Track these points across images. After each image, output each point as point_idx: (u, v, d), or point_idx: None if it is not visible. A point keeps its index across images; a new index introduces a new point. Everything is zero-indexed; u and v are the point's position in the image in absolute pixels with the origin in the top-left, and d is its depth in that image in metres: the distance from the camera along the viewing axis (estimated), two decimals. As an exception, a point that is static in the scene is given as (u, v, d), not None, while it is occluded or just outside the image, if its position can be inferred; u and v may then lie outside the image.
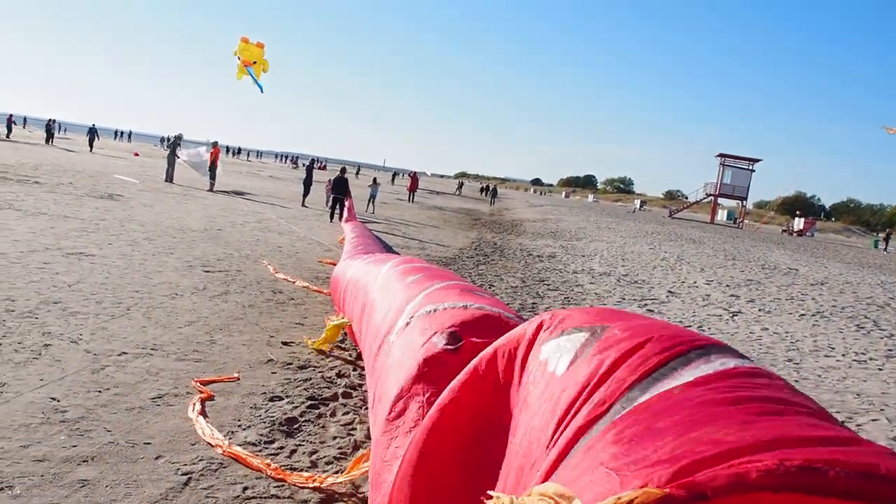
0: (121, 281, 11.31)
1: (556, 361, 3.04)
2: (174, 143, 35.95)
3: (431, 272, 7.21)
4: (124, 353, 7.86)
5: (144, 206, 22.69)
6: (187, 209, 23.60)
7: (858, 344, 13.37)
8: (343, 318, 8.93)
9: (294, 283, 13.51)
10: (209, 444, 5.83)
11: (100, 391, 6.66)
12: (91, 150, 55.42)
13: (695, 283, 20.46)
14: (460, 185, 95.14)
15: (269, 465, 5.58)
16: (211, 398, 6.92)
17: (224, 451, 5.74)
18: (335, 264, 15.75)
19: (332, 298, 11.67)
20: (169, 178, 34.76)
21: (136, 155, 59.65)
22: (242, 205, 29.00)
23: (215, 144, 35.71)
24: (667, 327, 2.91)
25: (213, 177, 34.60)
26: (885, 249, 66.95)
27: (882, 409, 8.87)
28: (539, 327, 3.49)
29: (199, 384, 7.16)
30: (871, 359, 12.09)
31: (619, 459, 2.02)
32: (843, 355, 12.20)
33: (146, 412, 6.40)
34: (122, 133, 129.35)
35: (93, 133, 59.26)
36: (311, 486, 5.34)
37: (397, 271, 7.55)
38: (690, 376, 2.38)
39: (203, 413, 6.45)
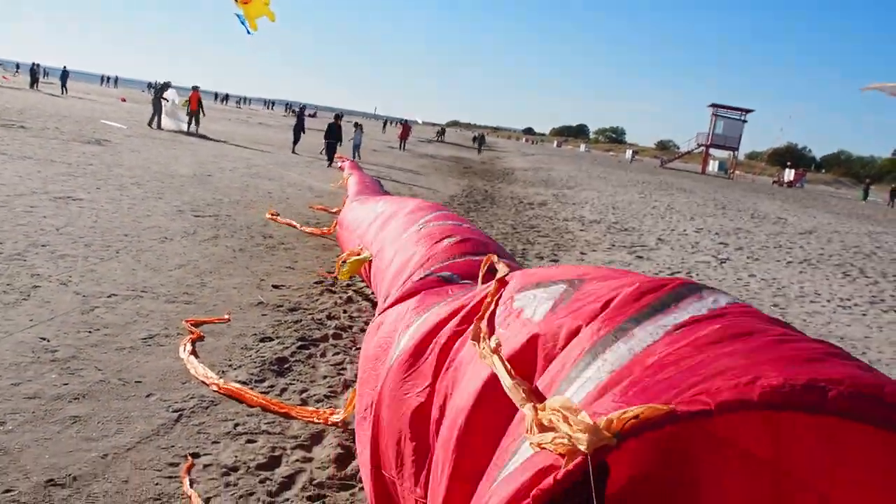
0: (109, 225, 11.25)
1: (532, 309, 3.04)
2: (160, 90, 35.44)
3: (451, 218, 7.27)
4: (114, 294, 7.86)
5: (132, 151, 22.48)
6: (175, 155, 23.40)
7: (844, 290, 13.49)
8: (368, 253, 8.78)
9: (299, 227, 13.45)
10: (203, 382, 5.87)
11: (90, 332, 6.67)
12: (64, 93, 54.67)
13: (684, 230, 20.52)
14: (442, 132, 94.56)
15: (270, 400, 5.68)
16: (201, 338, 6.95)
17: (220, 388, 5.79)
18: (326, 210, 15.71)
19: (340, 237, 11.65)
20: (155, 124, 34.35)
21: (124, 101, 58.89)
22: (232, 151, 28.77)
23: (195, 88, 35.24)
24: (647, 277, 2.91)
25: (197, 121, 34.37)
26: (866, 199, 67.04)
27: (864, 353, 8.99)
28: (504, 283, 3.52)
29: (189, 325, 7.18)
30: (855, 304, 12.21)
31: (623, 385, 2.04)
32: (829, 301, 12.31)
33: (137, 352, 6.42)
34: (108, 79, 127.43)
35: (65, 76, 58.79)
36: (316, 420, 5.43)
37: (422, 219, 7.48)
38: (685, 313, 2.38)
39: (194, 353, 6.48)
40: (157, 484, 4.37)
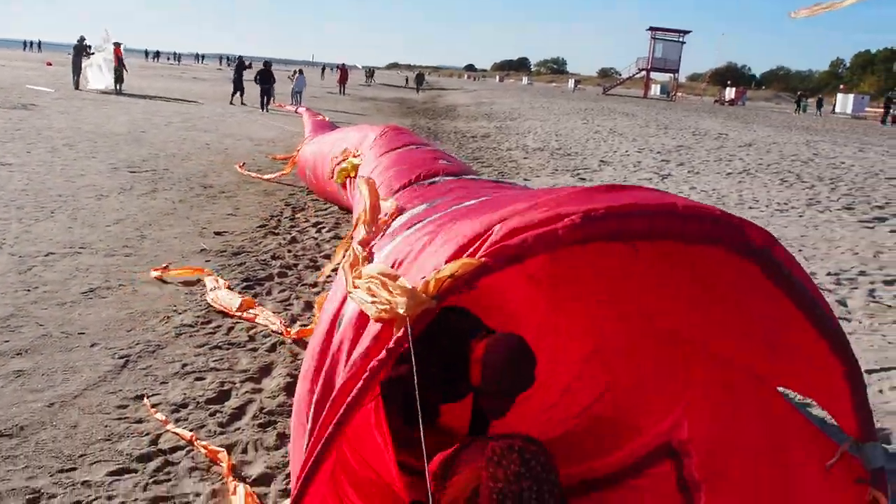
0: (42, 186, 10.99)
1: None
2: (78, 48, 34.04)
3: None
4: (51, 253, 7.72)
5: (61, 113, 21.85)
6: (107, 114, 22.80)
7: (781, 196, 13.79)
8: (357, 158, 8.52)
9: (264, 178, 13.17)
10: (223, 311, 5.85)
11: (28, 290, 6.56)
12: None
13: (626, 152, 20.70)
14: (371, 73, 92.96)
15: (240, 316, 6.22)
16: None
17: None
18: (286, 158, 15.40)
19: (301, 170, 11.59)
20: (77, 85, 33.11)
21: (49, 65, 56.84)
22: (165, 107, 28.11)
23: (117, 45, 33.88)
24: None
25: (119, 79, 33.10)
26: (805, 110, 68.10)
27: (800, 250, 9.24)
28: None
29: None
30: (792, 207, 12.51)
31: (436, 245, 2.11)
32: (767, 206, 12.60)
33: (78, 305, 6.35)
34: (31, 44, 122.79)
35: None
36: (287, 335, 5.82)
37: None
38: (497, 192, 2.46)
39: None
40: (106, 426, 4.38)
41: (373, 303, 1.81)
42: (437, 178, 5.15)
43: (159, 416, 4.46)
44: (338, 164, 8.79)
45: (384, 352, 1.75)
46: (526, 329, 4.44)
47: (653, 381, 3.38)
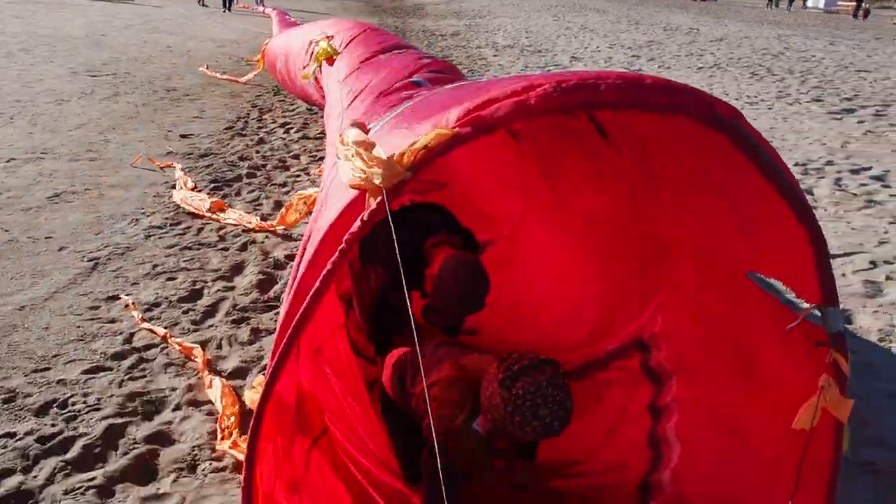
0: (-1, 92, 10.69)
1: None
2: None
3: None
4: (12, 159, 7.57)
5: (14, 17, 21.03)
6: (63, 17, 21.99)
7: (752, 89, 13.73)
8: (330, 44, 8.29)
9: (239, 81, 12.78)
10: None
11: (-9, 195, 6.47)
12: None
13: (598, 48, 20.40)
14: None
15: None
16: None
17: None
18: (257, 60, 14.95)
19: (272, 64, 11.29)
20: None
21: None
22: (124, 9, 27.11)
23: None
24: None
25: None
26: (777, 5, 67.19)
27: (770, 141, 9.25)
28: None
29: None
30: (762, 100, 12.47)
31: (410, 122, 2.10)
32: (737, 99, 12.55)
33: (44, 210, 6.27)
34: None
35: None
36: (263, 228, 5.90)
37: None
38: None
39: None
40: (78, 327, 4.39)
41: (352, 171, 1.79)
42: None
43: (135, 313, 4.48)
44: (314, 44, 8.54)
45: (359, 221, 1.74)
46: (511, 236, 4.48)
47: (631, 283, 3.41)
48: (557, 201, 4.08)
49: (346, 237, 1.77)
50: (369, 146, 1.76)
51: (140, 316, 4.46)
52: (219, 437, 3.39)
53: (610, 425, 3.26)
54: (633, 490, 2.93)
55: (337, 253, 1.78)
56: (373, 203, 1.74)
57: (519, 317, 4.05)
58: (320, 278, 1.77)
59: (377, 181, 1.68)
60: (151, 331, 4.32)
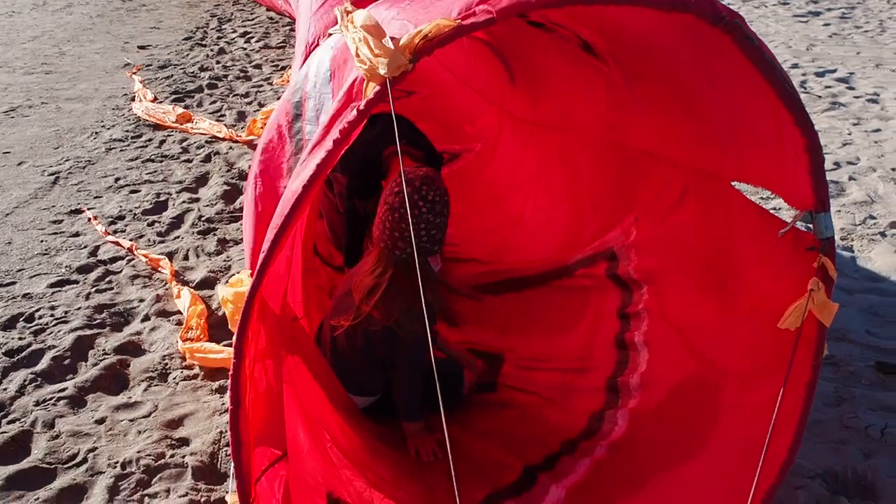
0: (-54, 4, 10.28)
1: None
2: None
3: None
4: (-36, 73, 7.34)
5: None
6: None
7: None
8: None
9: None
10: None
11: (-56, 111, 6.28)
12: None
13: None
14: None
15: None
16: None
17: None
18: None
19: None
20: None
21: None
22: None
23: None
24: None
25: None
26: None
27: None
28: None
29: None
30: (728, 2, 12.32)
31: (408, 13, 2.05)
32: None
33: (0, 125, 6.11)
34: None
35: None
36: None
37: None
38: None
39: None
40: (42, 241, 4.33)
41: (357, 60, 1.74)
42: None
43: (99, 227, 4.42)
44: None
45: (355, 110, 1.70)
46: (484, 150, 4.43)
47: (606, 195, 3.39)
48: (534, 113, 4.03)
49: (340, 127, 1.73)
50: (379, 34, 1.69)
51: (104, 229, 4.41)
52: (181, 343, 3.39)
53: (579, 326, 3.28)
54: (602, 389, 2.96)
55: (332, 143, 1.74)
56: (370, 93, 1.69)
57: (493, 230, 4.05)
58: (315, 164, 1.73)
59: (382, 70, 1.63)
60: (116, 243, 4.27)
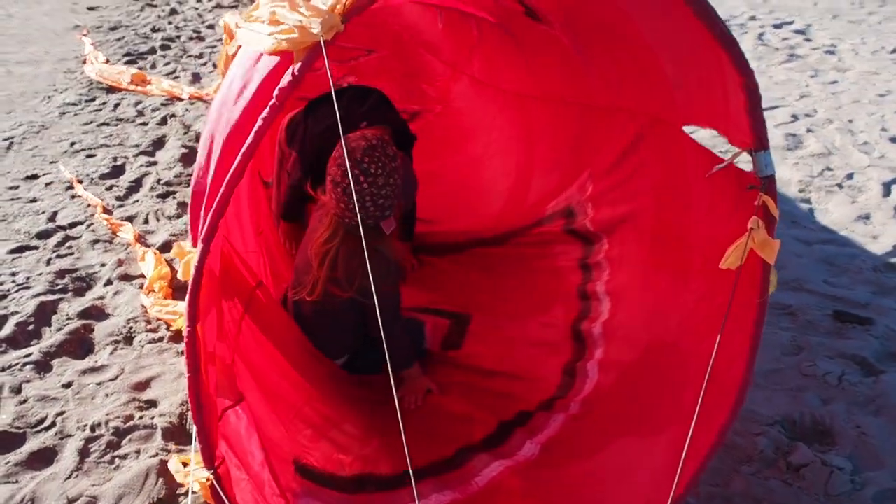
0: None
1: None
2: None
3: None
4: None
5: None
6: None
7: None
8: None
9: None
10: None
11: None
12: None
13: None
14: None
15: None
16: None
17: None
18: None
19: None
20: None
21: None
22: None
23: None
24: None
25: None
26: None
27: None
28: None
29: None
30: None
31: None
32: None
33: (-52, 91, 5.98)
34: None
35: None
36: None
37: None
38: None
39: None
40: (-1, 207, 4.28)
41: (271, 34, 1.72)
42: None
43: (80, 189, 4.45)
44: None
45: (289, 75, 1.70)
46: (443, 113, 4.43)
47: (564, 153, 3.42)
48: (488, 76, 4.05)
49: (276, 92, 1.74)
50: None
51: (75, 176, 4.48)
52: (145, 299, 3.41)
53: (541, 281, 3.34)
54: (568, 338, 3.01)
55: (267, 108, 1.75)
56: (301, 56, 1.70)
57: (448, 192, 4.06)
58: (252, 134, 1.75)
59: (315, 30, 1.63)
60: (87, 198, 4.32)
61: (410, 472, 1.69)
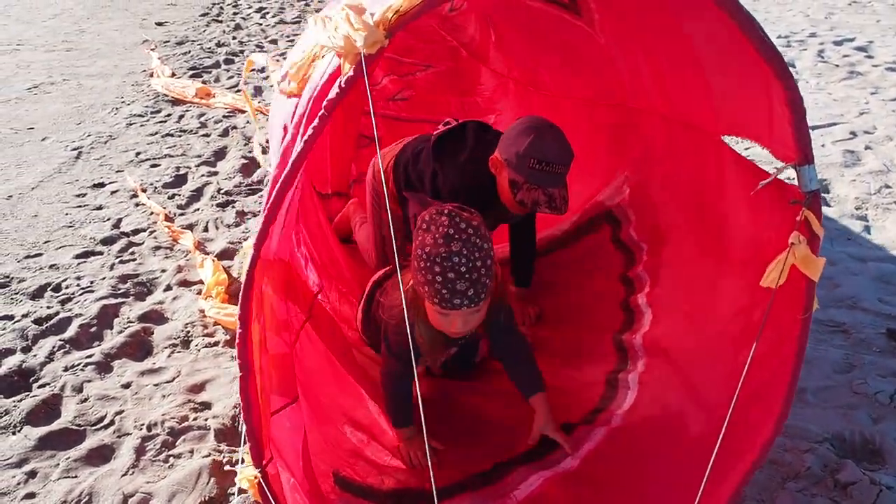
0: (-33, -18, 10.39)
1: None
2: None
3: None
4: (-13, 51, 7.46)
5: None
6: None
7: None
8: None
9: None
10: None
11: (-31, 88, 6.41)
12: None
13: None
14: None
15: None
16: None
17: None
18: None
19: None
20: None
21: None
22: None
23: None
24: None
25: None
26: None
27: (754, 13, 9.11)
28: None
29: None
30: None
31: None
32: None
33: (24, 102, 6.24)
34: None
35: None
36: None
37: None
38: None
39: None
40: (66, 214, 4.45)
41: (328, 37, 1.79)
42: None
43: (145, 198, 4.64)
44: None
45: (336, 86, 1.76)
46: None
47: (599, 155, 3.43)
48: (527, 79, 4.09)
49: (324, 103, 1.80)
50: (360, 10, 1.75)
51: (140, 185, 4.68)
52: (204, 303, 3.52)
53: (587, 291, 3.35)
54: (612, 351, 3.00)
55: (317, 119, 1.81)
56: (348, 69, 1.76)
57: None
58: (304, 141, 1.81)
59: (359, 43, 1.69)
60: (151, 206, 4.50)
61: (434, 491, 1.72)
